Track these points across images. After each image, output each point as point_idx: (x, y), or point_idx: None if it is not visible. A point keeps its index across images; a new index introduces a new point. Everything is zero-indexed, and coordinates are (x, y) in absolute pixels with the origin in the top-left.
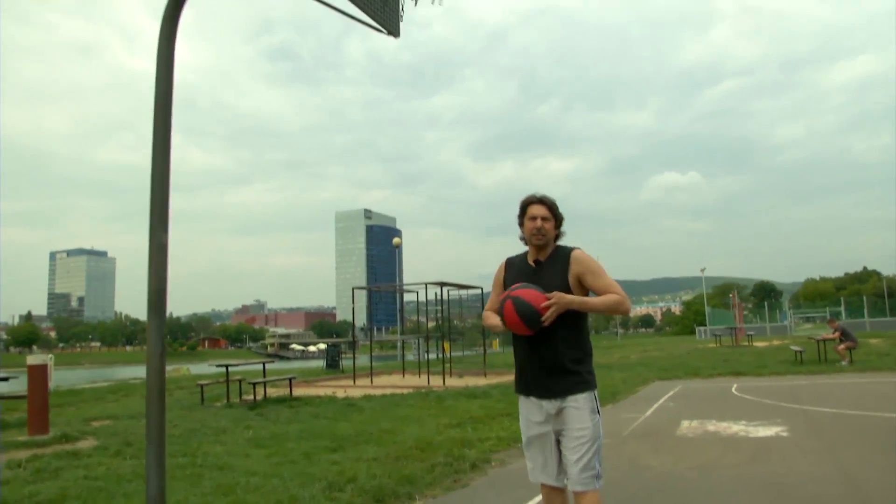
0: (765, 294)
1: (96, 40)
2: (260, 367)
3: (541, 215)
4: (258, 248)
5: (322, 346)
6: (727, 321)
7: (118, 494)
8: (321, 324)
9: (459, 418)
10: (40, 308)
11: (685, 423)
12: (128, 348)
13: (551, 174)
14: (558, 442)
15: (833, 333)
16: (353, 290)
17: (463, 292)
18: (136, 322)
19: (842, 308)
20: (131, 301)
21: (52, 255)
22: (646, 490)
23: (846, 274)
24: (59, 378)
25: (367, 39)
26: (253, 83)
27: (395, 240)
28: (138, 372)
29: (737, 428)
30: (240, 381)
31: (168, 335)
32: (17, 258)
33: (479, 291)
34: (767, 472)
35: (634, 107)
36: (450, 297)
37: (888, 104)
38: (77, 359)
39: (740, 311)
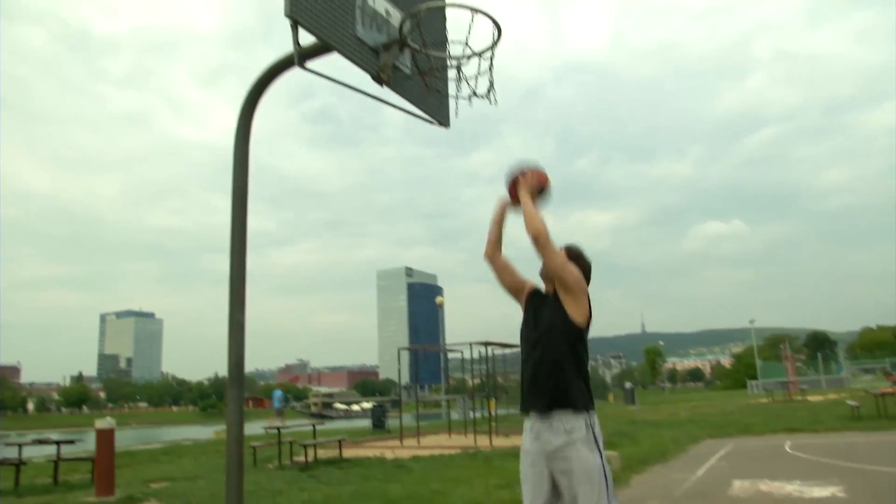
0: (818, 345)
1: (146, 110)
2: (309, 428)
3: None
4: (301, 308)
5: (366, 405)
6: (779, 374)
7: None
8: (364, 382)
9: (508, 479)
10: (90, 369)
11: (737, 484)
12: (174, 408)
13: (592, 227)
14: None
15: (892, 387)
16: (398, 350)
17: (507, 351)
18: (181, 382)
19: None
20: (177, 361)
21: (103, 317)
22: None
23: None
24: None
25: None
26: (295, 146)
27: (438, 299)
28: (185, 433)
29: (791, 488)
30: (290, 442)
31: (213, 395)
32: (69, 320)
33: None
34: None
35: (674, 157)
36: (494, 356)
37: None
38: (125, 419)
39: (793, 364)
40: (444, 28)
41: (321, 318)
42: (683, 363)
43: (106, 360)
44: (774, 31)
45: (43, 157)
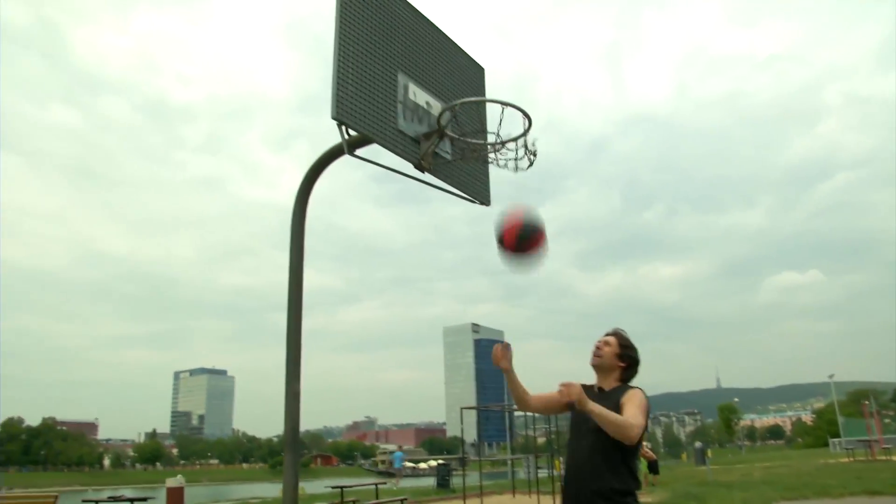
0: None
1: (220, 174)
2: (373, 487)
3: (604, 340)
4: (368, 365)
5: (432, 462)
6: (863, 432)
7: None
8: (431, 440)
9: None
10: (164, 426)
11: None
12: (244, 465)
13: (660, 280)
14: None
15: None
16: (461, 409)
17: None
18: (252, 439)
19: None
20: (248, 418)
21: (176, 375)
22: None
23: None
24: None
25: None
26: (361, 205)
27: None
28: (254, 490)
29: None
30: (354, 501)
31: (282, 452)
32: (144, 378)
33: None
34: None
35: (743, 206)
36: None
37: None
38: (197, 476)
39: (878, 421)
40: (481, 116)
41: (388, 375)
42: (762, 420)
43: (179, 417)
44: (843, 76)
45: (122, 220)
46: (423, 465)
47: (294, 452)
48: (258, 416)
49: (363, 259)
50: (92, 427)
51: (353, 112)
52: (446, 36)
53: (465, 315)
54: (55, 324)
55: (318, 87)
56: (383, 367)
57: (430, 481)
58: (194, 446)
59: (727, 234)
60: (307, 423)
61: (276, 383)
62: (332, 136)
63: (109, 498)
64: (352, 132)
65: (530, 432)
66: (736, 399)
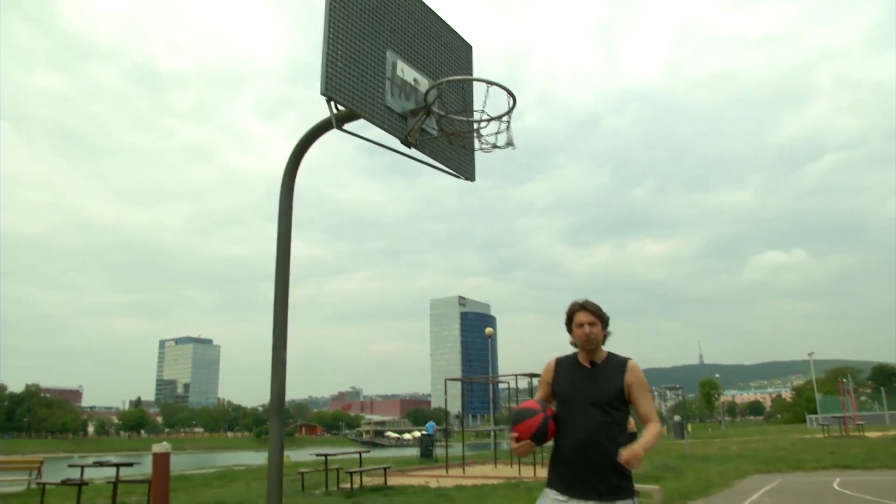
0: (884, 378)
1: (209, 143)
2: (356, 455)
3: (587, 321)
4: (355, 336)
5: (417, 433)
6: (840, 408)
7: None
8: (416, 411)
9: None
10: (149, 394)
11: None
12: (229, 434)
13: (648, 257)
14: None
15: None
16: (445, 381)
17: None
18: (237, 408)
19: None
20: (233, 387)
21: (162, 343)
22: None
23: None
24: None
25: None
26: (352, 177)
27: (488, 330)
28: (239, 458)
29: None
30: (338, 469)
31: (267, 421)
32: (129, 346)
33: None
34: None
35: (733, 186)
36: None
37: None
38: (181, 444)
39: (853, 398)
40: (466, 95)
41: (375, 347)
42: (743, 396)
43: (164, 386)
44: (836, 58)
45: (110, 188)
46: (406, 436)
47: (279, 419)
48: (244, 386)
49: (353, 231)
50: (76, 394)
51: (341, 88)
52: (435, 14)
53: (453, 288)
54: (40, 291)
55: (310, 56)
56: (370, 339)
57: (413, 452)
58: (179, 415)
59: (715, 213)
60: (292, 393)
61: (262, 353)
62: (323, 107)
63: (95, 463)
64: (340, 107)
65: (514, 405)
66: (718, 375)
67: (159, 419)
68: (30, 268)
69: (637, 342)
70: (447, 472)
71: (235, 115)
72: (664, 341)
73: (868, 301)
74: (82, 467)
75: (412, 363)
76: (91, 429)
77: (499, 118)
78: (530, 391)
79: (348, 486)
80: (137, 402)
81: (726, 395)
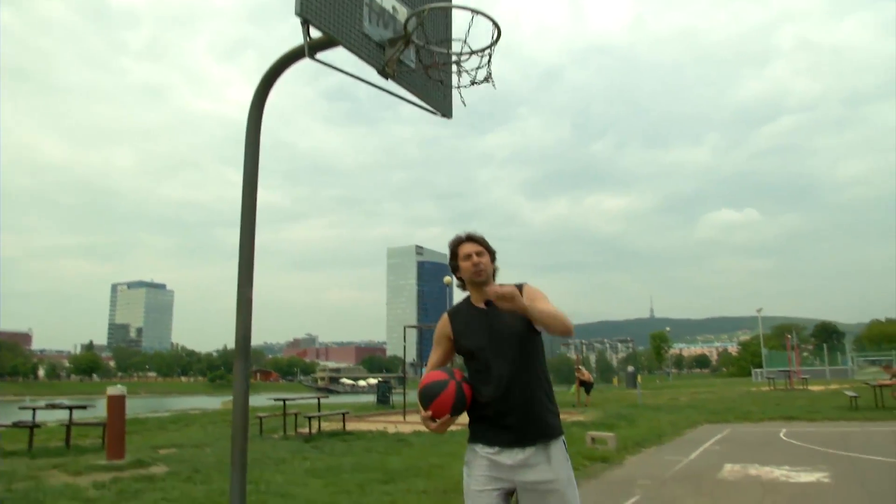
0: (826, 336)
1: (164, 83)
2: (315, 401)
3: (474, 251)
4: (312, 283)
5: (372, 380)
6: (784, 363)
7: None
8: (371, 359)
9: None
10: (101, 338)
11: (728, 467)
12: (183, 379)
13: (605, 212)
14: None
15: (890, 379)
16: (404, 328)
17: None
18: (191, 353)
19: None
20: (187, 333)
21: (114, 288)
22: None
23: None
24: None
25: None
26: (311, 122)
27: (446, 279)
28: (193, 402)
29: (779, 473)
30: (296, 414)
31: (222, 367)
32: (81, 290)
33: None
34: None
35: (691, 144)
36: None
37: None
38: (135, 388)
39: (797, 354)
40: (448, 25)
41: (331, 294)
42: (690, 349)
43: (116, 330)
44: (797, 20)
45: (60, 127)
46: (362, 383)
47: (245, 360)
48: (198, 331)
49: (311, 177)
50: (26, 338)
51: (318, 11)
52: None
53: (411, 237)
54: None
55: None
56: (326, 286)
57: (369, 398)
58: (132, 359)
59: (672, 170)
60: None
61: (217, 299)
62: (283, 48)
63: (48, 405)
64: (314, 34)
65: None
66: (668, 329)
67: (112, 363)
68: None
69: (590, 295)
70: (404, 419)
71: (191, 55)
72: (617, 295)
73: (815, 261)
74: (34, 409)
75: (368, 311)
76: (42, 372)
77: (481, 51)
78: None
79: (306, 430)
80: (89, 346)
81: (675, 349)
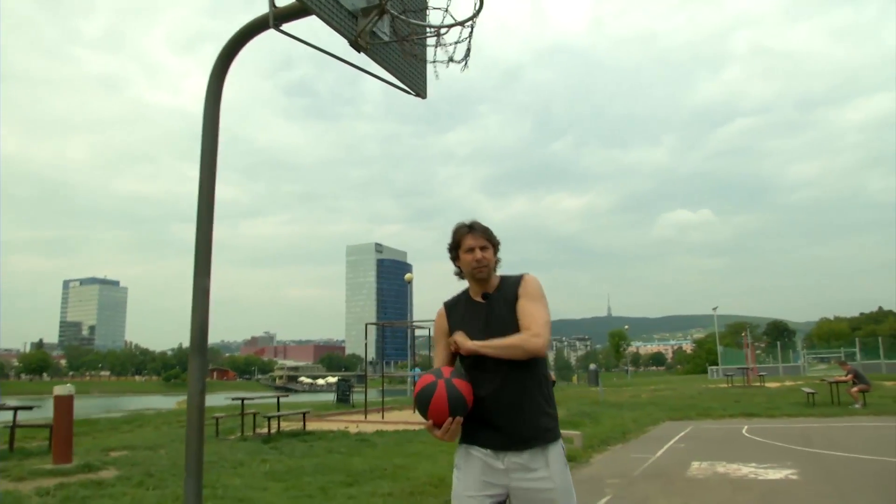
0: (778, 333)
1: (119, 74)
2: (274, 400)
3: (478, 245)
4: (269, 280)
5: (331, 379)
6: (739, 361)
7: None
8: (330, 357)
9: None
10: (52, 336)
11: (695, 465)
12: (137, 378)
13: (564, 210)
14: None
15: (846, 376)
16: (366, 325)
17: None
18: (145, 352)
19: (857, 349)
20: (142, 330)
21: (66, 284)
22: None
23: (861, 314)
24: None
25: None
26: (271, 117)
27: (408, 276)
28: (147, 402)
29: (746, 470)
30: (254, 414)
31: (177, 366)
32: (31, 286)
33: None
34: None
35: (648, 144)
36: None
37: None
38: (87, 387)
39: (752, 351)
40: None
41: (289, 292)
42: (647, 347)
43: (68, 328)
44: (752, 25)
45: (11, 118)
46: (321, 382)
47: (201, 356)
48: (152, 329)
49: (269, 173)
50: None
51: None
52: None
53: (370, 235)
54: None
55: None
56: (285, 284)
57: (329, 397)
58: (84, 357)
59: (630, 170)
60: None
61: (172, 297)
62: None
63: None
64: (280, 2)
65: (428, 351)
66: (627, 327)
67: (63, 362)
68: None
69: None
70: (366, 418)
71: (148, 46)
72: (575, 293)
73: (766, 261)
74: None
75: (327, 309)
76: None
77: (462, 23)
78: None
79: (265, 431)
80: (39, 344)
81: (632, 347)
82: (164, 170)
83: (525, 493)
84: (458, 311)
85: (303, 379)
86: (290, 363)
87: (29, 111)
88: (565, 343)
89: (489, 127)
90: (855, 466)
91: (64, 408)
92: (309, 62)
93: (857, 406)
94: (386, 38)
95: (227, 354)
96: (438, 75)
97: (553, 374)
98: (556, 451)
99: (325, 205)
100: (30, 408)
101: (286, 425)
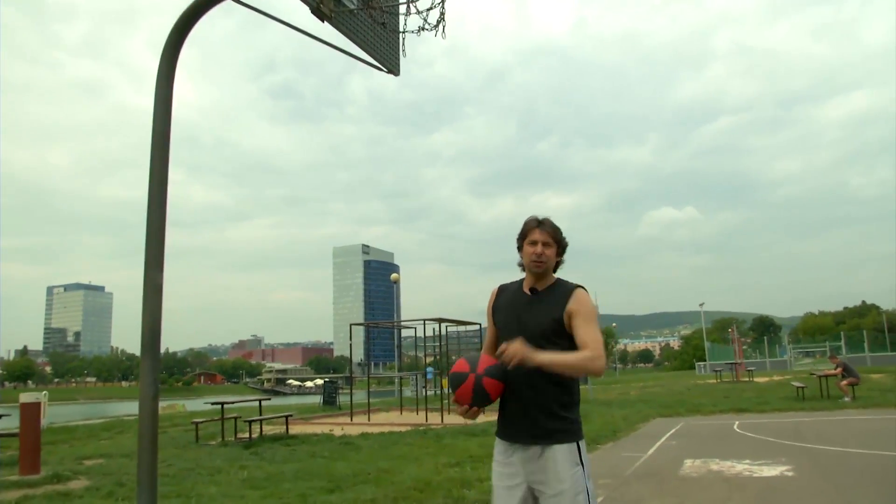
0: (764, 329)
1: (101, 79)
2: (256, 404)
3: (542, 241)
4: (257, 284)
5: (319, 381)
6: (727, 356)
7: None
8: (318, 359)
9: (458, 457)
10: (36, 343)
11: (688, 463)
12: (123, 384)
13: (550, 210)
14: (536, 500)
15: (835, 369)
16: (350, 326)
17: (461, 328)
18: (132, 357)
19: (842, 343)
20: (128, 336)
21: (50, 290)
22: None
23: (845, 308)
24: (54, 414)
25: (369, 78)
26: (256, 121)
27: (394, 276)
28: (133, 408)
29: (741, 467)
30: (235, 418)
31: (164, 371)
32: (15, 293)
33: (476, 327)
34: None
35: (633, 143)
36: (447, 333)
37: (884, 140)
38: (72, 394)
39: (740, 347)
40: None
41: (277, 295)
42: (634, 345)
43: (53, 335)
44: (734, 24)
45: None
46: (308, 384)
47: (153, 357)
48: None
49: (255, 177)
50: None
51: None
52: None
53: (357, 237)
54: None
55: None
56: (272, 287)
57: (316, 399)
58: (69, 364)
59: (615, 169)
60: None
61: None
62: (226, 45)
63: None
64: None
65: (415, 352)
66: (615, 325)
67: (48, 369)
68: None
69: None
70: (352, 420)
71: (131, 51)
72: None
73: (751, 257)
74: None
75: (314, 311)
76: None
77: None
78: (434, 338)
79: (247, 435)
80: (24, 351)
81: (620, 344)
82: (148, 174)
83: (538, 489)
84: (505, 296)
85: (291, 381)
86: (277, 366)
87: (9, 117)
88: None
89: (475, 128)
90: (849, 461)
91: (30, 415)
92: (292, 65)
93: (846, 399)
94: (352, 6)
95: (215, 358)
96: (423, 85)
97: None
98: (566, 453)
99: (311, 208)
100: (3, 416)
101: (269, 429)
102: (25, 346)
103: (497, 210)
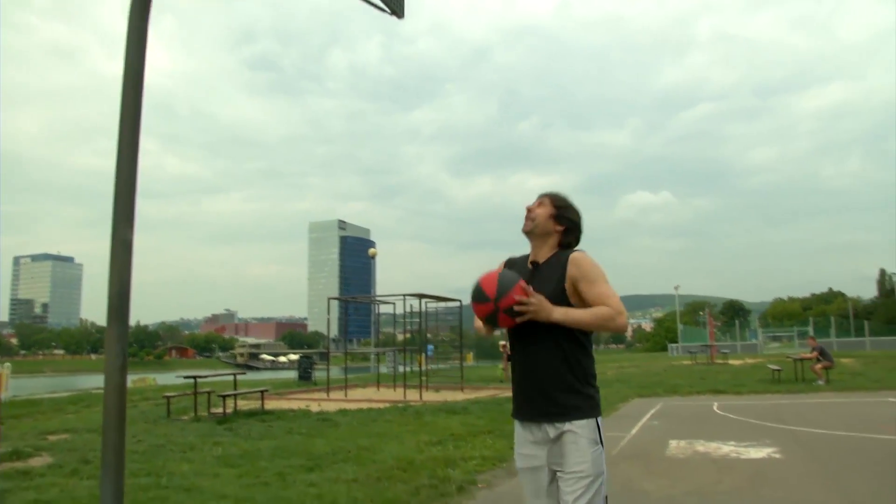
0: (734, 313)
1: (74, 43)
2: (230, 378)
3: (537, 201)
4: (231, 258)
5: (293, 356)
6: (699, 338)
7: None
8: (292, 334)
9: (440, 435)
10: (2, 314)
11: (673, 444)
12: (92, 356)
13: (528, 190)
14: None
15: (812, 352)
16: (328, 300)
17: (439, 305)
18: (101, 329)
19: (810, 327)
20: (98, 308)
21: (16, 260)
22: None
23: (812, 295)
24: (19, 386)
25: (350, 52)
26: (233, 92)
27: (371, 250)
28: (100, 381)
29: (727, 449)
30: (209, 393)
31: (134, 343)
32: None
33: (457, 304)
34: (769, 499)
35: (613, 127)
36: (426, 310)
37: (855, 132)
38: (39, 367)
39: (712, 329)
40: None
41: (251, 269)
42: None
43: (19, 305)
44: (716, 12)
45: None
46: (282, 359)
47: (121, 323)
48: None
49: (232, 149)
50: None
51: None
52: None
53: (334, 212)
54: None
55: None
56: (247, 261)
57: (290, 375)
58: (37, 336)
59: (594, 152)
60: (163, 315)
61: (132, 272)
62: (204, 8)
63: None
64: None
65: (393, 329)
66: None
67: (14, 340)
68: None
69: None
70: (328, 396)
71: (105, 15)
72: None
73: (723, 243)
74: None
75: (289, 287)
76: None
77: None
78: (411, 314)
79: (221, 411)
80: None
81: None
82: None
83: (556, 469)
84: (513, 268)
85: (264, 356)
86: (251, 340)
87: None
88: None
89: (455, 106)
90: (835, 443)
91: None
92: (272, 36)
93: (820, 382)
94: None
95: (187, 332)
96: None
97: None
98: (580, 431)
99: (289, 182)
100: None
101: (244, 404)
102: None
103: (475, 189)
